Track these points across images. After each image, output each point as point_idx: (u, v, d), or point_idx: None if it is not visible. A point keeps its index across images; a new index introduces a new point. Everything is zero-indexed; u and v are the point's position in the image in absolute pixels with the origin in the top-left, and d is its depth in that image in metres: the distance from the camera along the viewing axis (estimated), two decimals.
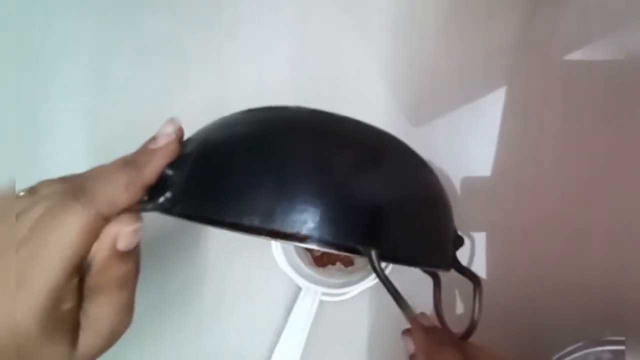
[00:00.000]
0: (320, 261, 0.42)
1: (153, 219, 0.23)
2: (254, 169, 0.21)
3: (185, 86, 0.42)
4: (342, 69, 0.42)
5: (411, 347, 0.26)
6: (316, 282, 0.39)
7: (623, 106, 0.42)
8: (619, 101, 0.42)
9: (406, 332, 0.27)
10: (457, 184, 0.42)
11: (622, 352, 0.35)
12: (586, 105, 0.42)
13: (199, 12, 0.42)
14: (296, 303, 0.39)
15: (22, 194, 0.21)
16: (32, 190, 0.21)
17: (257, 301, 0.41)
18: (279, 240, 0.22)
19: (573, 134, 0.42)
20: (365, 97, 0.42)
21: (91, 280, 0.21)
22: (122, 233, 0.21)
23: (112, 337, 0.22)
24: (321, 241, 0.20)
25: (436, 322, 0.27)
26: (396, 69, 0.42)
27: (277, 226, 0.20)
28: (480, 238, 0.42)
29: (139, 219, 0.21)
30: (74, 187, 0.21)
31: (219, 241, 0.42)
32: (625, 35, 0.42)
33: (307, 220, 0.20)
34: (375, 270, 0.21)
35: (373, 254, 0.21)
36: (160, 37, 0.42)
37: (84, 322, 0.21)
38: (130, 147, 0.24)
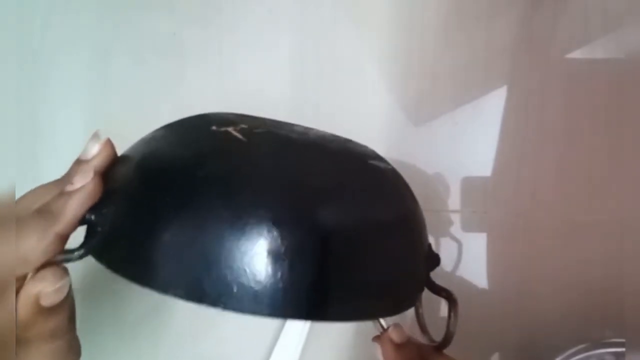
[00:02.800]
0: None
1: None
2: (175, 231, 0.18)
3: (185, 85, 0.42)
4: (342, 69, 0.42)
5: (380, 358, 0.25)
6: None
7: (623, 105, 0.42)
8: (619, 100, 0.42)
9: (376, 339, 0.26)
10: (457, 184, 0.42)
11: (624, 354, 0.35)
12: (586, 104, 0.42)
13: (199, 12, 0.42)
14: None
15: None
16: None
17: None
18: None
19: (573, 133, 0.42)
20: (366, 96, 0.42)
21: (17, 333, 0.19)
22: (44, 293, 0.18)
23: None
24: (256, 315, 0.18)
25: (409, 334, 0.25)
26: (396, 69, 0.42)
27: (205, 301, 0.18)
28: (480, 238, 0.41)
29: (63, 274, 0.19)
30: None
31: None
32: (626, 35, 0.42)
33: (243, 297, 0.18)
34: None
35: None
36: (159, 36, 0.42)
37: None
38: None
